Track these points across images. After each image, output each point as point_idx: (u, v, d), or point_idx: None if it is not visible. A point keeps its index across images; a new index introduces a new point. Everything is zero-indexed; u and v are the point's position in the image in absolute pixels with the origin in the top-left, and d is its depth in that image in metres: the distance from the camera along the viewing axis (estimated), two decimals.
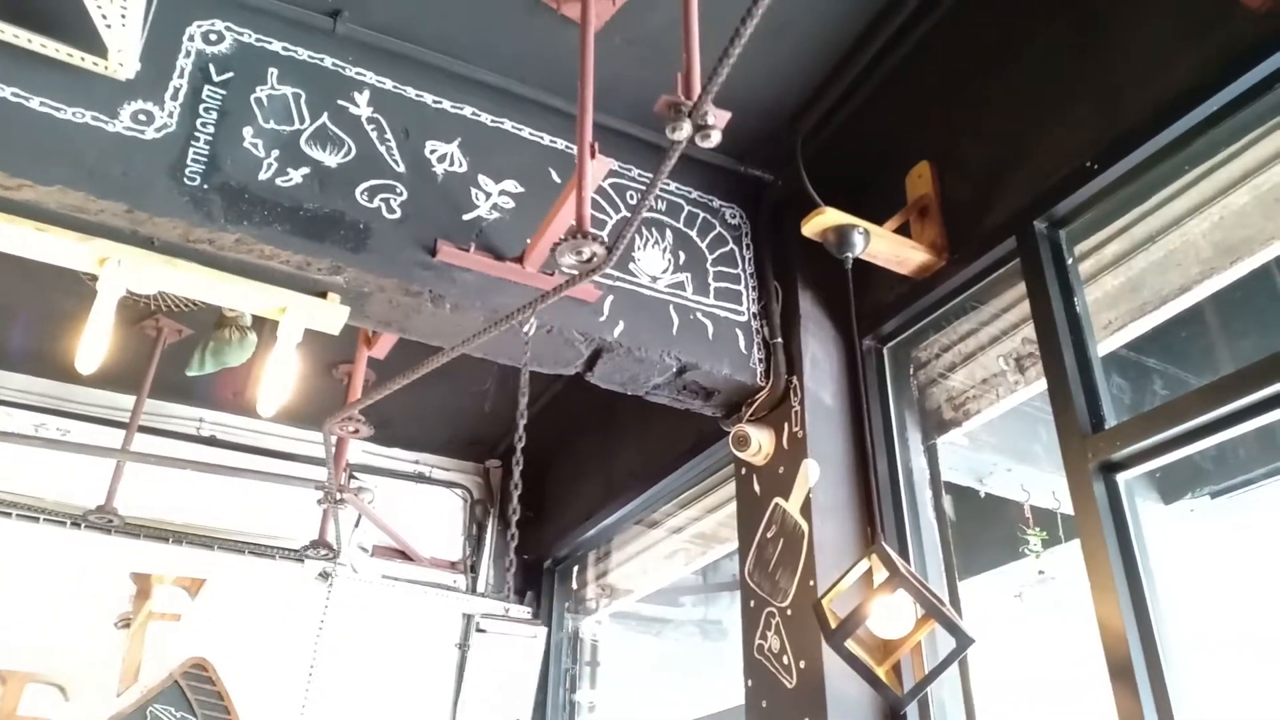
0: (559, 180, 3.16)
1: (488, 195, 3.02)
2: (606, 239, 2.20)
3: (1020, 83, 2.85)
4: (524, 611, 5.09)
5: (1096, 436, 2.35)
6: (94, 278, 2.58)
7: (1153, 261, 2.55)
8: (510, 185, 3.07)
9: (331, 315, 2.77)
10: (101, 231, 2.53)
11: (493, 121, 3.15)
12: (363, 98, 2.96)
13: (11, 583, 4.15)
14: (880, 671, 2.31)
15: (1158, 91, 2.39)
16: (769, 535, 3.07)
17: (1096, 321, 2.57)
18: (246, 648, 4.44)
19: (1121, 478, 2.33)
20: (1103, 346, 2.55)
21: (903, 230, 2.99)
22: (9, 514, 4.19)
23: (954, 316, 3.06)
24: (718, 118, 1.91)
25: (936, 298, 3.00)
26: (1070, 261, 2.63)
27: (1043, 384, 2.60)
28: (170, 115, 2.64)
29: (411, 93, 3.05)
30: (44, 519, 4.23)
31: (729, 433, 3.26)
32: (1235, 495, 3.17)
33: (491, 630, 4.17)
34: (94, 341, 2.64)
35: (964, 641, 2.23)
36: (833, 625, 2.30)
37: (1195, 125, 2.32)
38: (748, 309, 3.34)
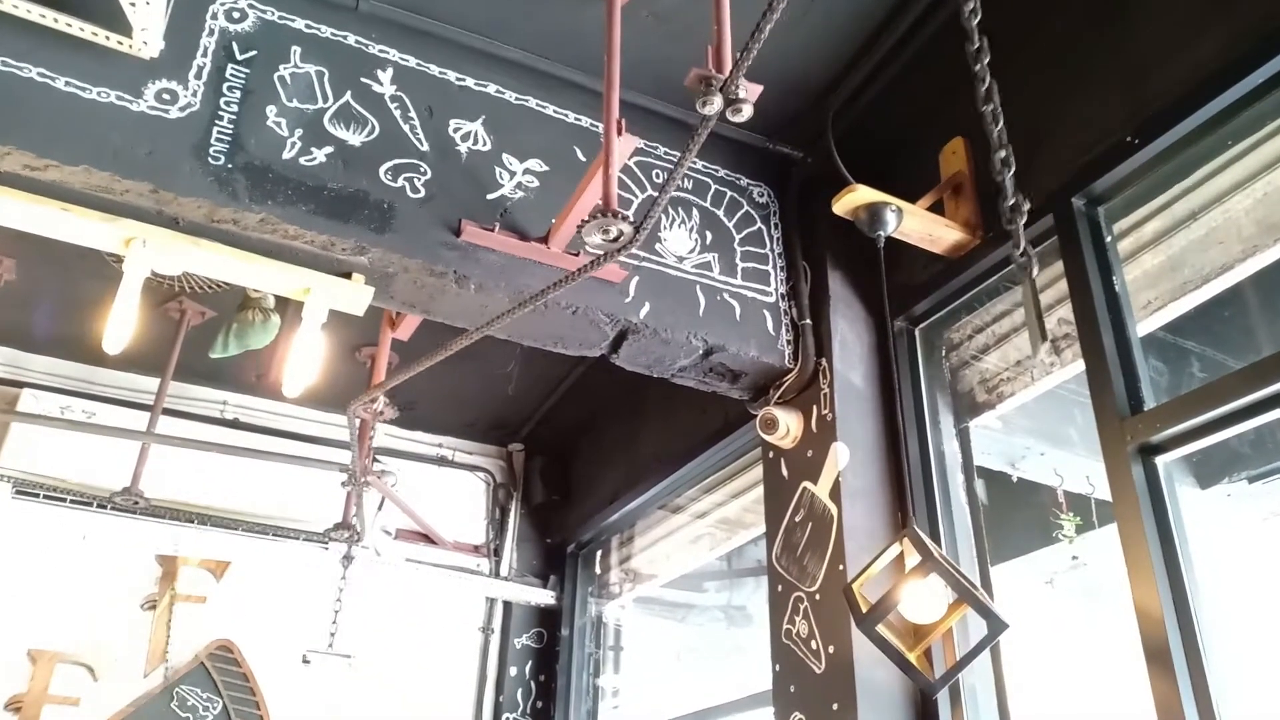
0: (584, 159, 3.12)
1: (512, 174, 2.99)
2: (633, 218, 2.16)
3: (1057, 55, 2.78)
4: (548, 595, 5.10)
5: (1135, 418, 2.30)
6: (119, 259, 2.58)
7: (1194, 239, 2.49)
8: (535, 164, 3.04)
9: (356, 296, 2.75)
10: (127, 212, 2.52)
11: (517, 99, 3.12)
12: (386, 76, 2.93)
13: (40, 564, 4.19)
14: (911, 657, 2.28)
15: (1200, 63, 2.32)
16: (797, 519, 3.03)
17: (1136, 301, 2.51)
18: (271, 629, 4.47)
19: (1160, 461, 2.27)
20: (1142, 327, 2.49)
21: (936, 208, 2.92)
22: (36, 495, 4.22)
23: (988, 297, 3.00)
24: (749, 91, 1.87)
25: (970, 277, 2.94)
26: (1109, 240, 2.56)
27: (1077, 366, 2.55)
28: (194, 94, 2.62)
29: (435, 70, 3.02)
30: (70, 500, 4.26)
31: (756, 416, 3.22)
32: (1273, 480, 3.11)
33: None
34: (120, 322, 2.64)
35: (997, 626, 2.19)
36: (864, 610, 2.27)
37: (1239, 98, 2.25)
38: (776, 290, 3.29)
